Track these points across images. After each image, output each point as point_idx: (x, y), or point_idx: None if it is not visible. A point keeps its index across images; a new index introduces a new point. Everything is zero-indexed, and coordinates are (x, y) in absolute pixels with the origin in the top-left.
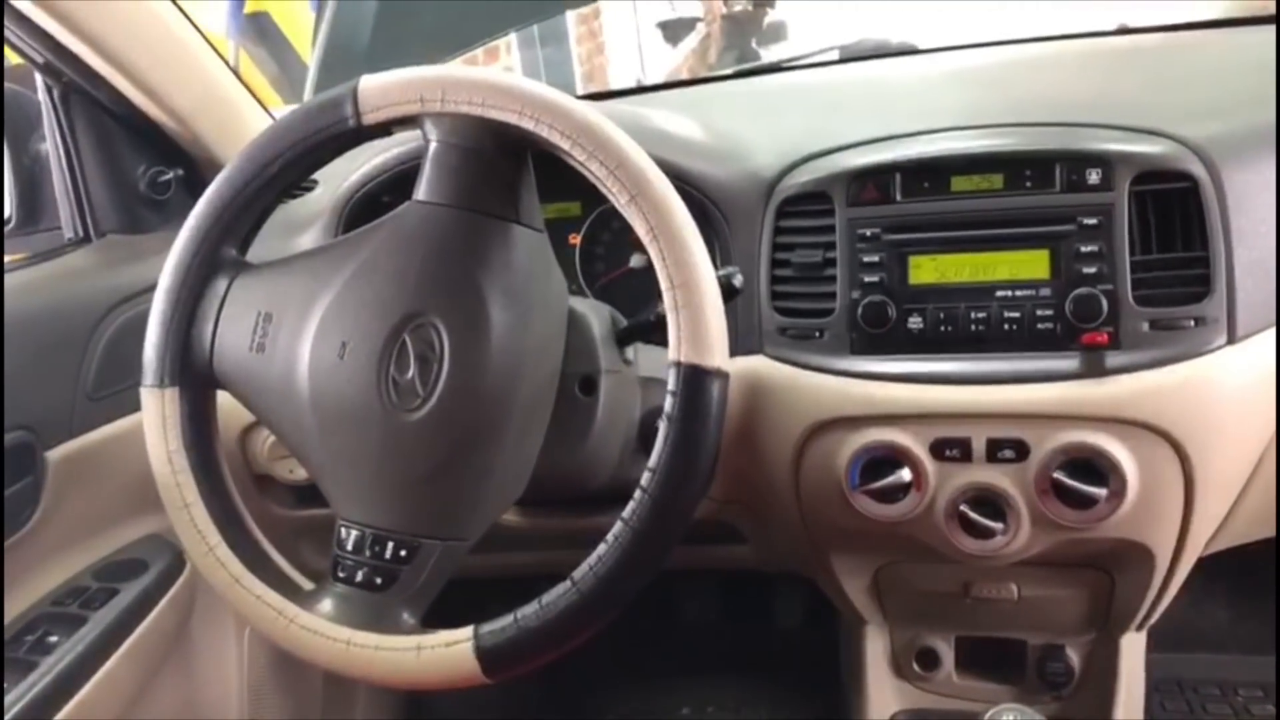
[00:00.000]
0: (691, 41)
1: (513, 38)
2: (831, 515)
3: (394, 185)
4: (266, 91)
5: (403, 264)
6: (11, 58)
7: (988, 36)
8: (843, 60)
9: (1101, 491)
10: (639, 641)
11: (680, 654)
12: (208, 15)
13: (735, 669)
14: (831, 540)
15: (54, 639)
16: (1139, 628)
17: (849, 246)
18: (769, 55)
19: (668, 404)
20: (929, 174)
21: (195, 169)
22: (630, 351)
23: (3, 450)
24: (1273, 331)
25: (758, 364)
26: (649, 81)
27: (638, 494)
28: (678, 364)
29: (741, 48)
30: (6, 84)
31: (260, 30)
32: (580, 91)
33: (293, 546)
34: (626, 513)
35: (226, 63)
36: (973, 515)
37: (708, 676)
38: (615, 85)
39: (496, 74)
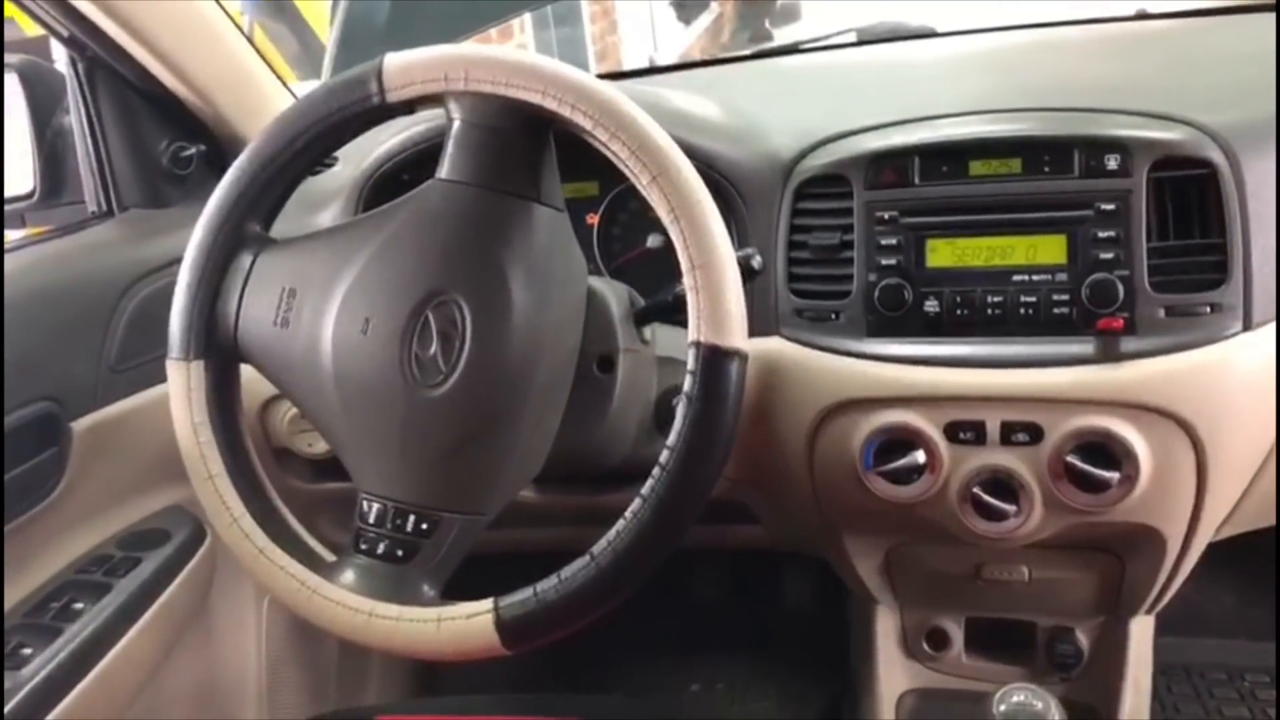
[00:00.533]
0: (705, 21)
1: (527, 17)
2: (845, 496)
3: (415, 163)
4: (282, 67)
5: (426, 242)
6: (30, 28)
7: (1006, 20)
8: (860, 43)
9: (1114, 475)
10: (651, 618)
11: (691, 631)
12: None
13: (745, 647)
14: (844, 521)
15: (79, 605)
16: (1148, 611)
17: (866, 229)
18: (782, 36)
19: (687, 383)
20: (947, 157)
21: (217, 144)
22: (648, 331)
23: (2, 428)
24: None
25: (774, 345)
26: (661, 61)
27: (656, 471)
28: (697, 344)
29: (754, 28)
30: (31, 57)
31: (275, 6)
32: (594, 71)
33: (311, 520)
34: (645, 489)
35: (249, 39)
36: (985, 497)
37: (718, 654)
38: (628, 64)
39: (520, 53)
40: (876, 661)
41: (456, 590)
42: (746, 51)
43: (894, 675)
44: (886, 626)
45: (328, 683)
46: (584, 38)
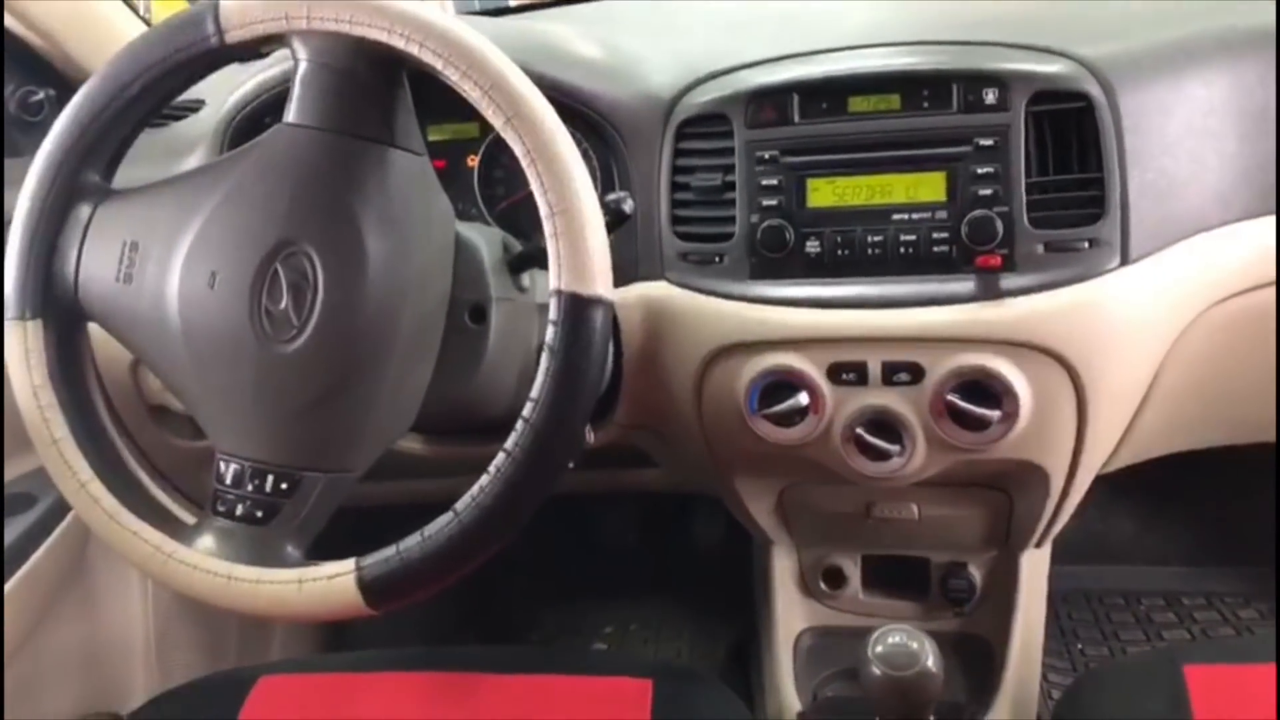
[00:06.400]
0: None
1: None
2: (733, 439)
3: (276, 106)
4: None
5: (273, 190)
6: None
7: None
8: None
9: (994, 414)
10: (562, 563)
11: (603, 575)
12: None
13: (657, 589)
14: (735, 463)
15: None
16: (1038, 545)
17: (747, 169)
18: None
19: (549, 334)
20: (826, 94)
21: (68, 87)
22: (526, 278)
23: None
24: (1162, 254)
25: (659, 289)
26: None
27: (519, 424)
28: (558, 293)
29: None
30: None
31: None
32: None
33: (195, 476)
34: (509, 444)
35: None
36: (868, 438)
37: (630, 596)
38: None
39: None
40: (775, 601)
41: (341, 544)
42: None
43: (793, 614)
44: (783, 566)
45: (226, 641)
46: None
